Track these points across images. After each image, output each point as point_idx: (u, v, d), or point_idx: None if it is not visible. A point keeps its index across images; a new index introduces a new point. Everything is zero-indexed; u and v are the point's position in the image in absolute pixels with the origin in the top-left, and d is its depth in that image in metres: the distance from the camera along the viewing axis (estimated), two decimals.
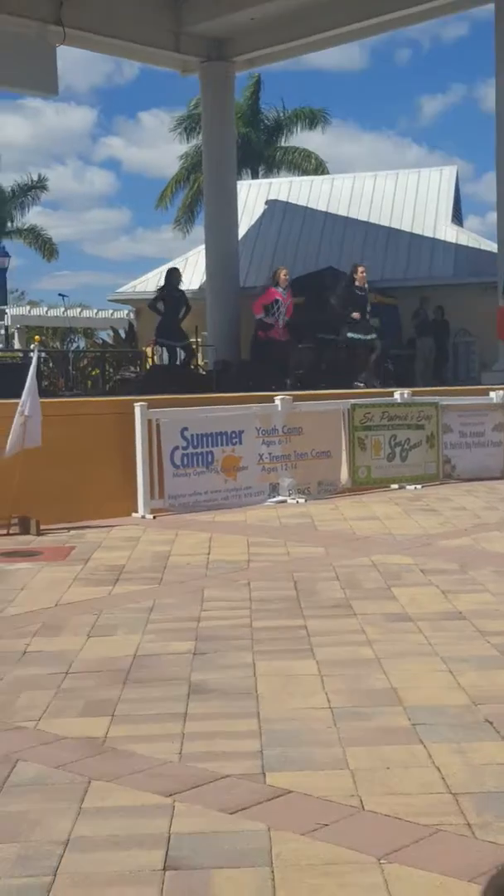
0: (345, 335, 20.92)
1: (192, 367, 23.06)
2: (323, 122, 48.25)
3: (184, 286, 23.24)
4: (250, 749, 5.27)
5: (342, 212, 34.13)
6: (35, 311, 44.98)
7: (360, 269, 20.97)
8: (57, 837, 4.31)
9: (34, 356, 13.08)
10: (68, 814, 4.54)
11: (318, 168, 46.66)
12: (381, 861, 4.05)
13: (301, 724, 5.60)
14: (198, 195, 43.48)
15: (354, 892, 3.85)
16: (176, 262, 31.08)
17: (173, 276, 21.87)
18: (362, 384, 19.88)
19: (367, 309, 20.82)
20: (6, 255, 33.34)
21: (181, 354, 21.90)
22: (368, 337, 20.88)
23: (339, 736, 5.42)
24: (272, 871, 3.99)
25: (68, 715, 5.87)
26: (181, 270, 24.14)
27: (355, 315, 20.47)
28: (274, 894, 3.83)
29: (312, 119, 47.85)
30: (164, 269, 33.79)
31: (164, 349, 22.13)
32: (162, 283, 22.47)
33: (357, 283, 20.75)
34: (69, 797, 4.72)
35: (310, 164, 47.06)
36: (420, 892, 3.84)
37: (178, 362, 21.80)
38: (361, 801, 4.61)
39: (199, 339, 25.05)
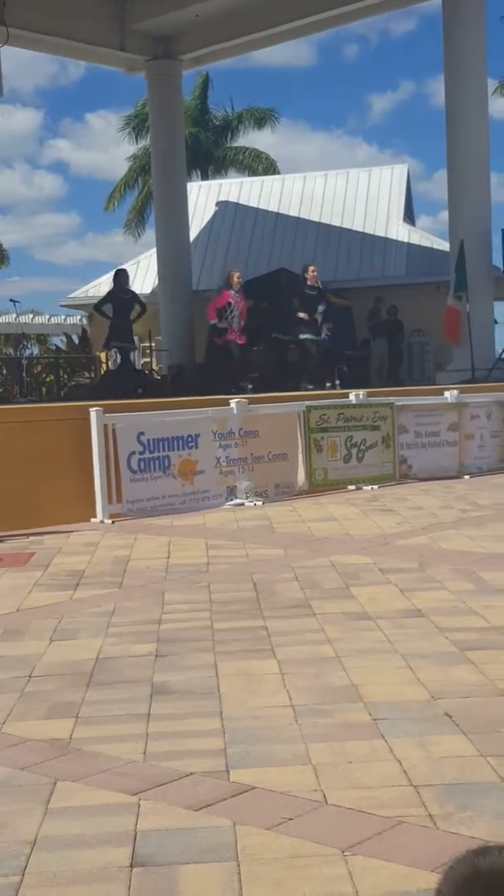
0: (296, 336, 21.05)
1: (147, 371, 23.09)
2: (272, 122, 48.38)
3: (136, 290, 23.25)
4: (214, 747, 5.32)
5: (294, 212, 34.26)
6: None
7: (311, 268, 21.13)
8: (24, 838, 4.35)
9: None
10: (35, 814, 4.58)
11: (269, 168, 46.70)
12: (346, 853, 4.11)
13: (263, 722, 5.66)
14: (148, 198, 43.46)
15: (319, 884, 3.90)
16: (127, 266, 31.14)
17: (120, 277, 21.86)
18: (311, 387, 19.97)
19: (318, 309, 20.91)
20: None
21: (132, 357, 21.82)
22: (319, 337, 20.99)
23: (301, 732, 5.48)
24: (238, 866, 4.04)
25: (33, 717, 5.91)
26: (132, 274, 24.14)
27: (302, 315, 20.61)
28: (240, 888, 3.88)
29: (261, 119, 47.90)
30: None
31: (118, 352, 22.11)
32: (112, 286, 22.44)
33: (308, 283, 20.87)
34: (35, 798, 4.76)
35: (260, 164, 47.09)
36: (384, 883, 3.90)
37: (134, 366, 21.75)
38: (324, 795, 4.67)
39: (152, 344, 25.06)
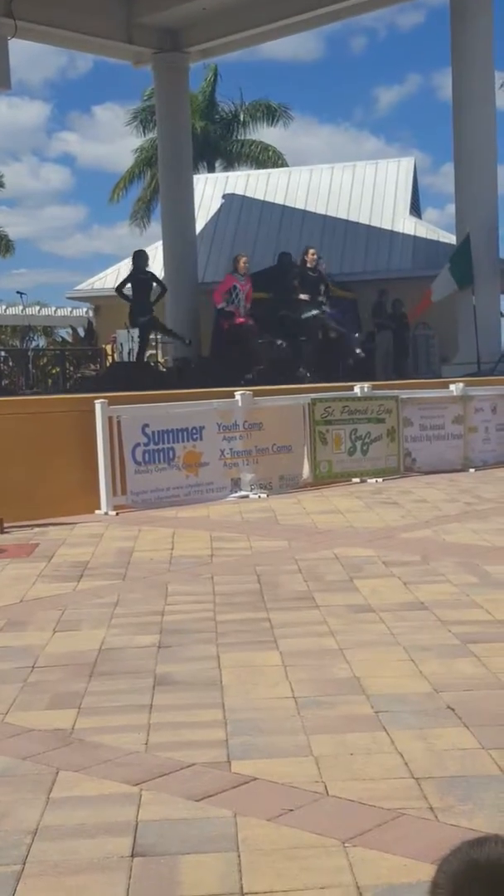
0: (299, 316, 21.10)
1: (152, 364, 23.07)
2: (284, 118, 48.19)
3: None
4: (215, 738, 5.33)
5: (300, 205, 34.23)
6: None
7: (311, 251, 21.29)
8: (26, 827, 4.36)
9: None
10: (36, 804, 4.60)
11: (277, 161, 46.55)
12: (346, 845, 4.11)
13: (265, 714, 5.67)
14: (156, 190, 43.41)
15: (319, 876, 3.91)
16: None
17: (139, 258, 21.75)
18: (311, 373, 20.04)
19: (319, 290, 21.00)
20: None
21: (149, 340, 21.83)
22: (316, 312, 21.05)
23: (303, 724, 5.48)
24: (238, 856, 4.05)
25: (35, 708, 5.92)
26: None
27: (303, 297, 20.68)
28: (240, 878, 3.89)
29: (271, 114, 47.74)
30: (122, 265, 33.91)
31: (138, 332, 22.02)
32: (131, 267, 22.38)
33: (308, 265, 20.94)
34: (37, 788, 4.77)
35: (268, 158, 46.94)
36: (384, 875, 3.90)
37: (146, 351, 21.75)
38: (326, 786, 4.68)
39: (157, 336, 25.02)
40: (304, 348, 21.42)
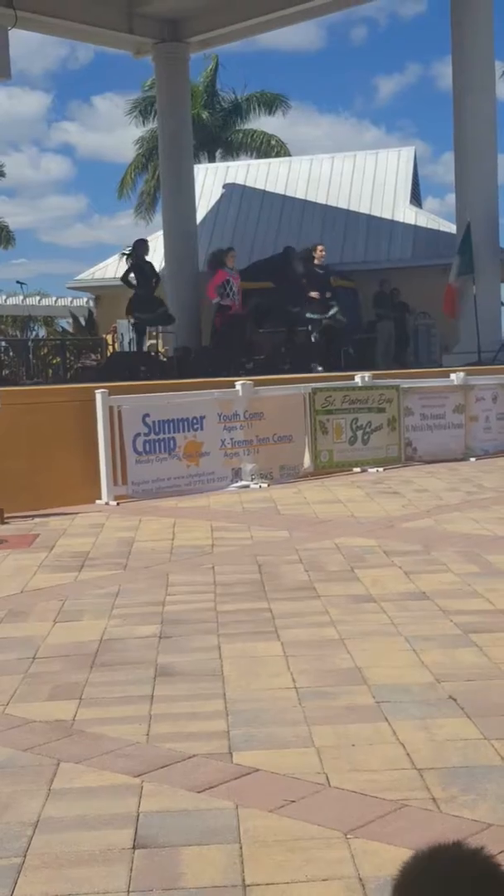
0: (303, 315, 20.98)
1: (153, 353, 23.01)
2: (283, 107, 48.02)
3: None
4: (217, 729, 5.32)
5: (300, 195, 34.17)
6: None
7: (320, 247, 21.03)
8: (27, 819, 4.35)
9: None
10: (38, 795, 4.58)
11: (281, 151, 46.38)
12: (348, 836, 4.11)
13: (267, 704, 5.66)
14: (156, 181, 43.24)
15: (321, 867, 3.90)
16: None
17: (140, 247, 21.59)
18: (320, 368, 19.89)
19: (326, 287, 20.81)
20: None
21: (147, 331, 21.73)
22: (325, 316, 20.91)
23: (305, 715, 5.47)
24: (240, 848, 4.04)
25: (36, 699, 5.91)
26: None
27: (313, 294, 20.52)
28: (242, 870, 3.88)
29: (271, 104, 47.59)
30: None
31: (135, 326, 21.92)
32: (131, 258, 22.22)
33: (316, 262, 20.79)
34: (38, 779, 4.76)
35: (271, 148, 46.79)
36: (386, 866, 3.88)
37: (145, 343, 21.66)
38: (327, 777, 4.67)
39: (158, 326, 25.00)
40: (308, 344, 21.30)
